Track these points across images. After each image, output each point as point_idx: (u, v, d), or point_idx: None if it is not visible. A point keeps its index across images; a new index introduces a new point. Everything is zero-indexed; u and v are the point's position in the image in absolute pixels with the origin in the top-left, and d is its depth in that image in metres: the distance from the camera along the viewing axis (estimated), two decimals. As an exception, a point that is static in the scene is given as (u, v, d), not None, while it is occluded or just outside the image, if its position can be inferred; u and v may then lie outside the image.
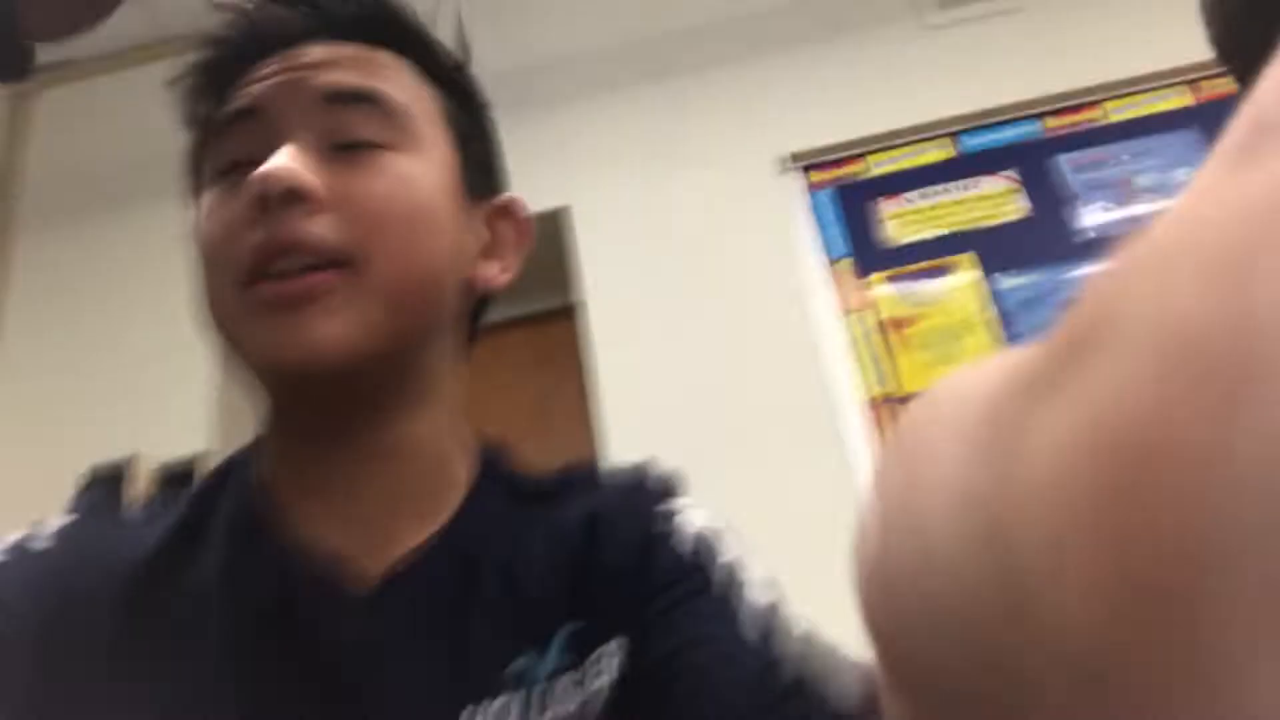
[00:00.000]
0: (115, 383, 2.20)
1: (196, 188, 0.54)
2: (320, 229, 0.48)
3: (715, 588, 0.51)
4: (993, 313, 2.14)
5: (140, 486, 1.92)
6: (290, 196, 0.47)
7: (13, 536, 0.51)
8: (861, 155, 2.36)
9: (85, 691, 0.46)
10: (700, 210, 2.36)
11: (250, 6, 0.55)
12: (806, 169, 2.37)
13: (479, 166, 0.58)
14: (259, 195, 0.47)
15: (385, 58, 0.54)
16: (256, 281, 0.47)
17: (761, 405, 2.08)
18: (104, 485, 0.53)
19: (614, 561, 0.53)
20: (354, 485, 0.52)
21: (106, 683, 0.47)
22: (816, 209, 2.32)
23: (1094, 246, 2.18)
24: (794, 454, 2.01)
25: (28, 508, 1.88)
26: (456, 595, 0.51)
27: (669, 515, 0.56)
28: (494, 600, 0.51)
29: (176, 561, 0.51)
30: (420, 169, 0.52)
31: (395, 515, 0.52)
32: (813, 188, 2.35)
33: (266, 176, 0.47)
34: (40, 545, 0.51)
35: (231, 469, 0.56)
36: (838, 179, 2.35)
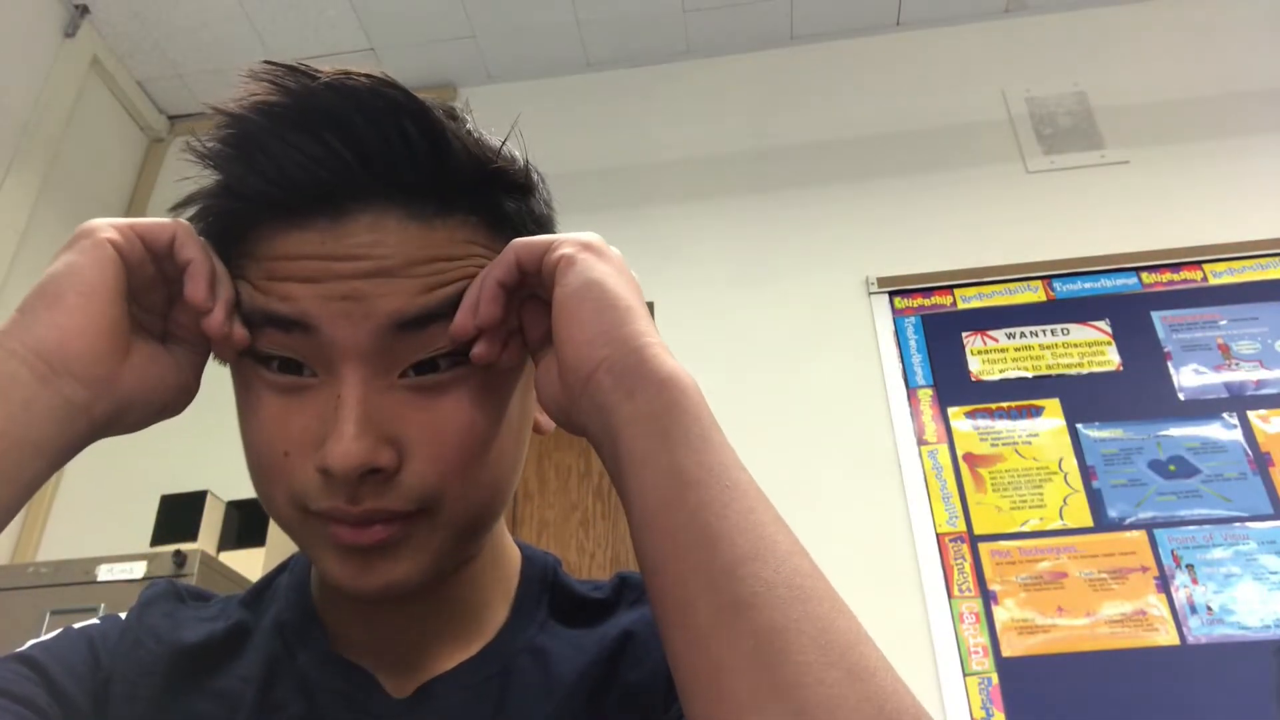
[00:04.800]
0: (198, 420, 2.26)
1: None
2: (396, 498, 0.45)
3: None
4: (1075, 463, 2.08)
5: (210, 519, 1.95)
6: (365, 474, 0.44)
7: (80, 624, 0.55)
8: (950, 288, 2.35)
9: None
10: (782, 321, 2.37)
11: (278, 138, 0.44)
12: (893, 294, 2.37)
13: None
14: (326, 472, 0.43)
15: (445, 231, 0.46)
16: (324, 518, 0.45)
17: (830, 524, 2.04)
18: (169, 585, 0.56)
19: (639, 683, 0.52)
20: (395, 622, 0.53)
21: None
22: (900, 335, 2.31)
23: (1186, 407, 2.12)
24: (861, 579, 1.95)
25: (103, 529, 1.92)
26: (483, 717, 0.51)
27: None
28: (520, 715, 0.51)
29: (218, 660, 0.53)
30: (495, 375, 0.48)
31: (431, 644, 0.53)
32: (898, 313, 2.35)
33: (336, 464, 0.42)
34: (99, 632, 0.54)
35: (288, 568, 0.59)
36: (924, 308, 2.34)
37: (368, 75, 0.45)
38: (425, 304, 0.45)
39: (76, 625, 0.54)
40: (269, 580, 0.59)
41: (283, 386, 0.46)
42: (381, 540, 0.45)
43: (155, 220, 0.47)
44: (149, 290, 0.47)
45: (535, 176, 0.52)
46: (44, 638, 0.53)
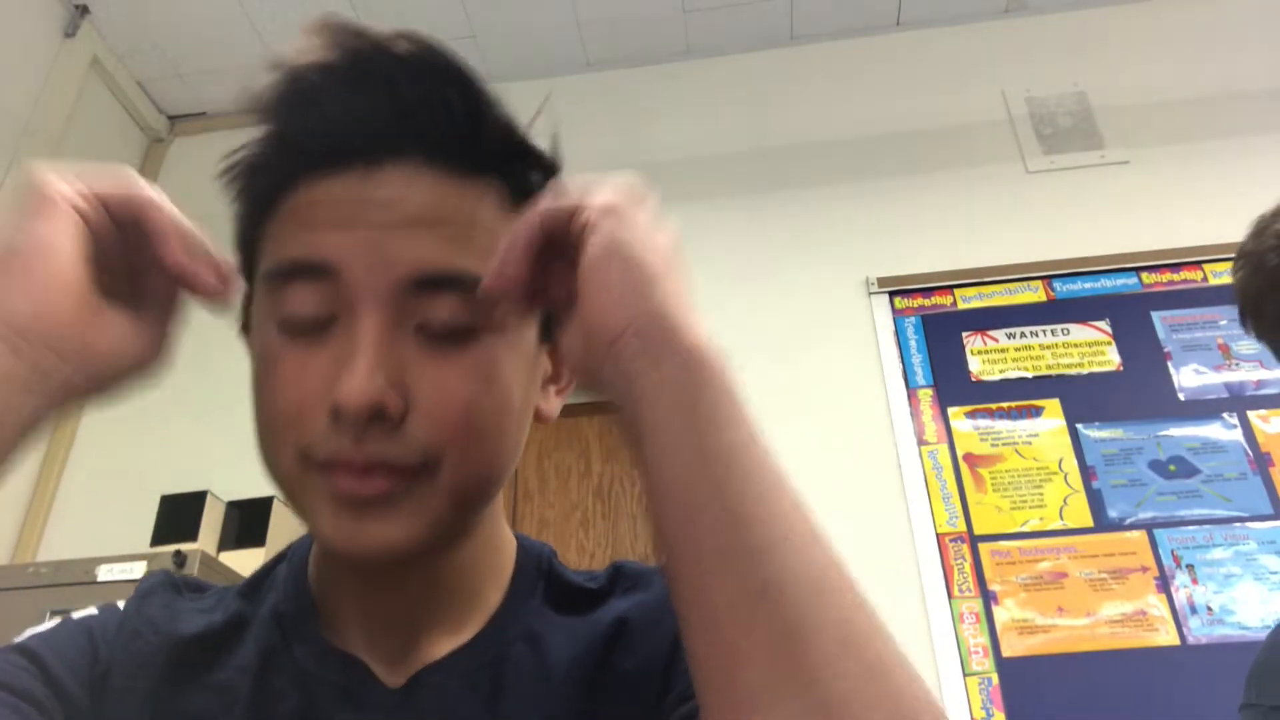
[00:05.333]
0: (198, 420, 2.27)
1: (249, 278, 0.52)
2: (400, 447, 0.45)
3: None
4: (1075, 463, 2.08)
5: (210, 519, 1.96)
6: (373, 417, 0.44)
7: (79, 613, 0.55)
8: (950, 288, 2.35)
9: None
10: (782, 321, 2.37)
11: (324, 90, 0.47)
12: (893, 294, 2.37)
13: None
14: (337, 410, 0.44)
15: (474, 195, 0.48)
16: (326, 468, 0.45)
17: (830, 524, 2.04)
18: (167, 576, 0.57)
19: (637, 668, 0.52)
20: (389, 604, 0.53)
21: None
22: (900, 335, 2.31)
23: (1187, 407, 2.12)
24: (861, 579, 1.95)
25: (103, 529, 1.91)
26: (478, 705, 0.51)
27: None
28: (517, 702, 0.51)
29: (215, 653, 0.53)
30: (505, 352, 0.49)
31: (424, 630, 0.53)
32: (898, 313, 2.35)
33: (348, 400, 0.43)
34: (98, 623, 0.54)
35: (286, 558, 0.59)
36: (924, 308, 2.34)
37: (419, 41, 0.47)
38: (449, 264, 0.46)
39: (75, 615, 0.54)
40: (267, 570, 0.59)
41: (302, 337, 0.46)
42: (382, 492, 0.45)
43: (117, 182, 0.46)
44: (115, 254, 0.46)
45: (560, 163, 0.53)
46: (42, 628, 0.53)
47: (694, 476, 0.38)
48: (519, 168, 0.51)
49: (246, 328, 0.53)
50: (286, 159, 0.48)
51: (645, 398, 0.40)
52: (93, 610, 0.55)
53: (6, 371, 0.41)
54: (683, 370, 0.40)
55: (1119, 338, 2.23)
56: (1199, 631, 1.87)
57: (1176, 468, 2.05)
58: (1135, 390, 2.15)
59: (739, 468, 0.38)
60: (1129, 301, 2.27)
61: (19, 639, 0.51)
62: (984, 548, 2.02)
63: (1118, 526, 2.00)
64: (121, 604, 0.56)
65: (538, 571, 0.58)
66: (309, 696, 0.51)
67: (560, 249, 0.45)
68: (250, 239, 0.51)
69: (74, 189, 0.45)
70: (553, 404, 0.56)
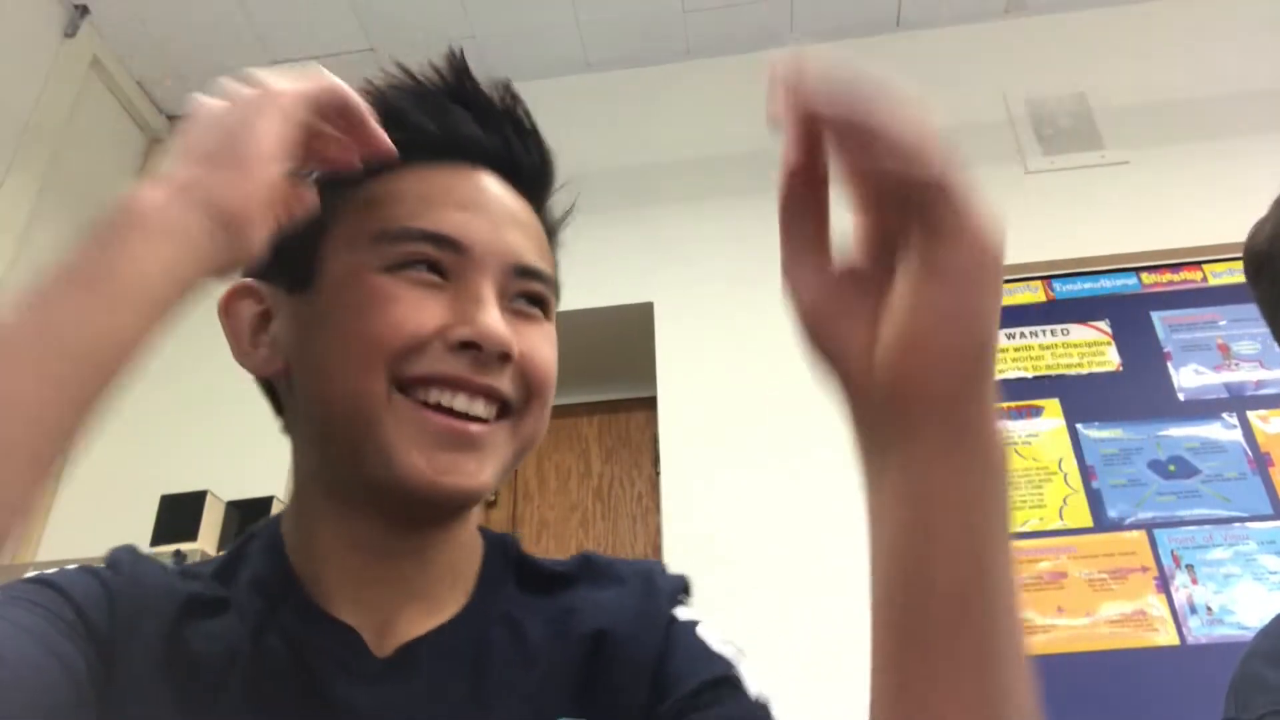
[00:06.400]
0: (198, 420, 2.27)
1: (321, 233, 0.56)
2: (508, 385, 0.54)
3: (737, 708, 0.52)
4: (1075, 463, 2.08)
5: (210, 519, 1.96)
6: (503, 357, 0.53)
7: (70, 567, 0.56)
8: (950, 288, 2.35)
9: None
10: (782, 321, 2.35)
11: (446, 103, 0.59)
12: (893, 295, 2.37)
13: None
14: (472, 344, 0.52)
15: (536, 215, 0.61)
16: (422, 404, 0.52)
17: (831, 525, 2.04)
18: (133, 548, 0.59)
19: (622, 679, 0.54)
20: (378, 576, 0.55)
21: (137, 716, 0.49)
22: (900, 335, 2.31)
23: (1186, 407, 2.12)
24: (862, 580, 1.94)
25: (103, 529, 1.91)
26: (462, 681, 0.53)
27: (686, 631, 0.57)
28: (500, 682, 0.54)
29: (209, 613, 0.55)
30: (554, 334, 0.59)
31: (407, 606, 0.56)
32: (898, 314, 2.35)
33: (492, 337, 0.52)
34: (96, 571, 0.56)
35: (254, 536, 0.61)
36: (924, 308, 2.34)
37: (513, 92, 0.61)
38: (536, 260, 0.58)
39: (69, 567, 0.55)
40: (238, 550, 0.60)
41: (421, 283, 0.53)
42: (480, 436, 0.52)
43: (325, 88, 0.50)
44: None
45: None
46: (46, 572, 0.53)
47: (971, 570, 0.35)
48: (546, 200, 0.63)
49: (304, 281, 0.56)
50: (403, 144, 0.54)
51: (965, 458, 0.34)
52: (73, 567, 0.55)
53: (199, 247, 0.44)
54: (997, 440, 0.34)
55: (1119, 338, 2.23)
56: (1199, 631, 1.88)
57: (1176, 468, 2.05)
58: (1135, 390, 2.16)
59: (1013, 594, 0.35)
60: (1129, 302, 2.28)
61: (30, 575, 0.52)
62: (984, 548, 2.02)
63: (1117, 526, 2.00)
64: (100, 566, 0.57)
65: (506, 557, 0.61)
66: (300, 657, 0.52)
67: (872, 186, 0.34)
68: (333, 203, 0.55)
69: (294, 100, 0.49)
70: None
